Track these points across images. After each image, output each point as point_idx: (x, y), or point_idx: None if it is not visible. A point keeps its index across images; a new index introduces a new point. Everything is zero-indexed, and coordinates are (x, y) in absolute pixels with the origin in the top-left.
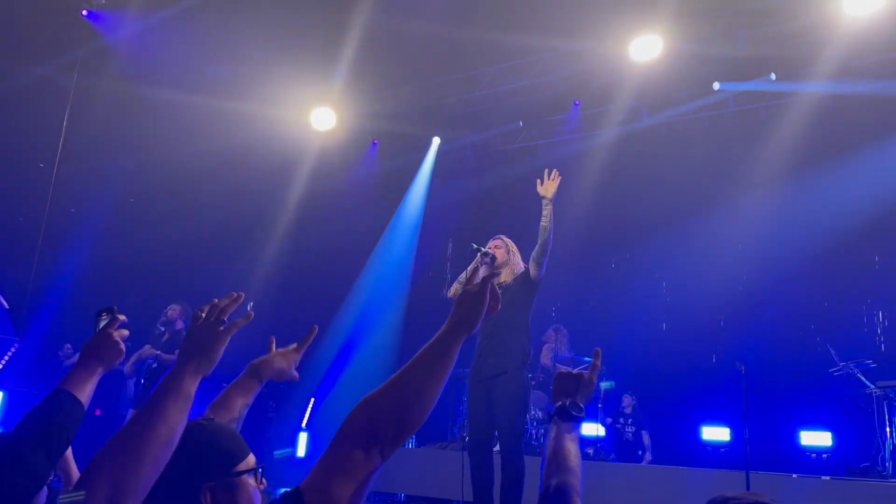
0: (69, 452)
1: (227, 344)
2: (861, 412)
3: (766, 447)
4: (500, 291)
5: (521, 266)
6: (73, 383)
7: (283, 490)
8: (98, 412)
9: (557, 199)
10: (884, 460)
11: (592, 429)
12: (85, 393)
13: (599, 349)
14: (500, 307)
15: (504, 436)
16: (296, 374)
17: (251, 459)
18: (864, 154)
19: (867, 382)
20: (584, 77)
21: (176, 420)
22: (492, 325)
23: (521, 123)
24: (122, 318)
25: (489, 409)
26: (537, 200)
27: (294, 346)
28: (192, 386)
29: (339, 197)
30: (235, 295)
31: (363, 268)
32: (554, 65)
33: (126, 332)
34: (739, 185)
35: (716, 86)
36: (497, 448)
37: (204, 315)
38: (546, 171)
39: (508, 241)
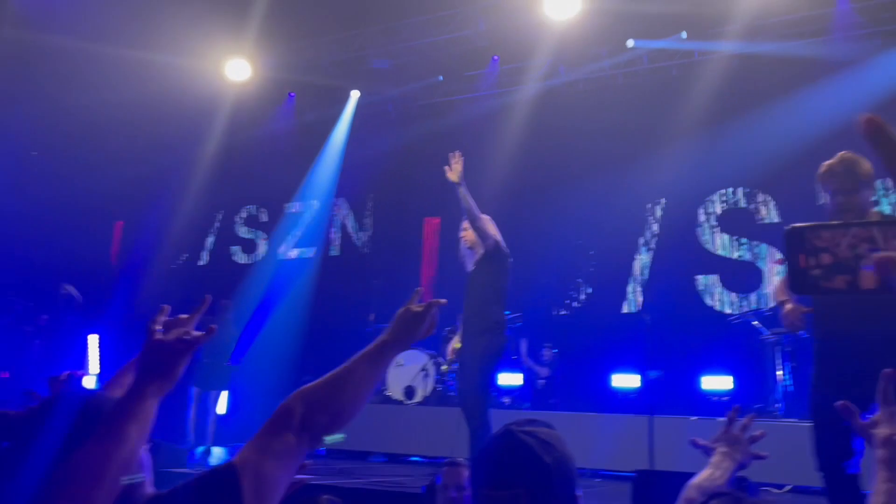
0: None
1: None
2: (757, 357)
3: (671, 392)
4: (469, 275)
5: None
6: None
7: (217, 462)
8: (6, 374)
9: (479, 154)
10: (775, 401)
11: (509, 378)
12: None
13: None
14: (470, 292)
15: (464, 399)
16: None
17: None
18: (770, 110)
19: (763, 329)
20: (503, 32)
21: (137, 444)
22: (466, 304)
23: (441, 78)
24: None
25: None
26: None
27: (185, 316)
28: (153, 407)
29: (254, 151)
30: (203, 307)
31: (277, 226)
32: (472, 19)
33: None
34: (653, 139)
35: (630, 43)
36: None
37: (161, 329)
38: (449, 155)
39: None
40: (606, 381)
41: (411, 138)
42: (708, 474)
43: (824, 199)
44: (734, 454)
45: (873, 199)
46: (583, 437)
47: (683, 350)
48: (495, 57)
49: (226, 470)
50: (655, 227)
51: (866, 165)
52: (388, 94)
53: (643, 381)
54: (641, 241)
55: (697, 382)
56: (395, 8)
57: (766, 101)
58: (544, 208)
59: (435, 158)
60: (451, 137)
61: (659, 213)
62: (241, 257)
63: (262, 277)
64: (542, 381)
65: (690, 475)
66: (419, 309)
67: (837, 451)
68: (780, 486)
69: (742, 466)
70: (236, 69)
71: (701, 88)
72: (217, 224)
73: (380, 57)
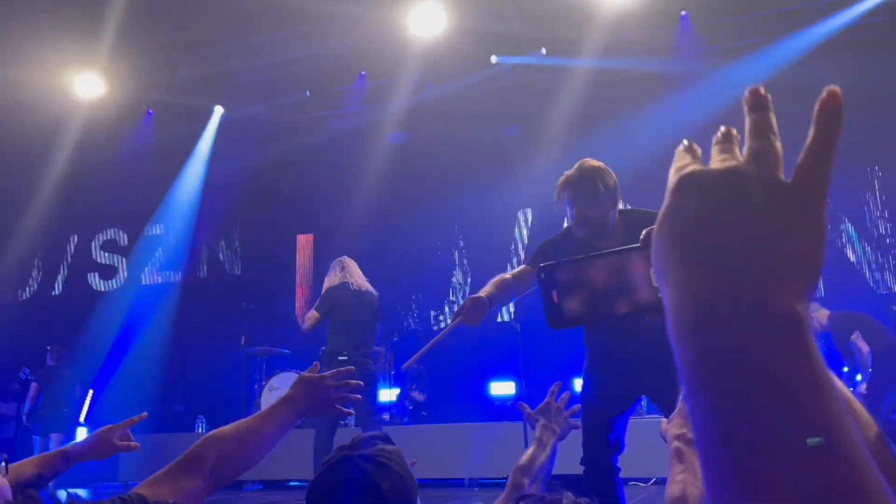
0: None
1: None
2: None
3: (545, 397)
4: None
5: None
6: None
7: (120, 494)
8: None
9: (349, 168)
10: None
11: (387, 394)
12: None
13: None
14: None
15: None
16: None
17: None
18: (625, 122)
19: None
20: (369, 48)
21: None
22: None
23: (308, 93)
24: None
25: None
26: (328, 171)
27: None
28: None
29: (109, 171)
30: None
31: (137, 248)
32: (337, 34)
33: None
34: (521, 149)
35: (493, 59)
36: None
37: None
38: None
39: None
40: (484, 390)
41: (279, 154)
42: (531, 453)
43: (561, 209)
44: (553, 426)
45: (617, 209)
46: (460, 447)
47: (556, 356)
48: (362, 73)
49: (135, 500)
50: (525, 235)
51: (608, 177)
52: (253, 110)
53: (518, 388)
54: (512, 248)
55: (572, 386)
56: (256, 23)
57: (621, 113)
58: (416, 221)
59: (304, 174)
60: (320, 153)
61: (527, 221)
62: (99, 284)
63: (123, 304)
64: (419, 398)
65: (566, 477)
66: (331, 384)
67: (599, 447)
68: (645, 480)
69: (562, 437)
70: (88, 85)
71: (562, 101)
72: (71, 250)
73: (243, 72)
